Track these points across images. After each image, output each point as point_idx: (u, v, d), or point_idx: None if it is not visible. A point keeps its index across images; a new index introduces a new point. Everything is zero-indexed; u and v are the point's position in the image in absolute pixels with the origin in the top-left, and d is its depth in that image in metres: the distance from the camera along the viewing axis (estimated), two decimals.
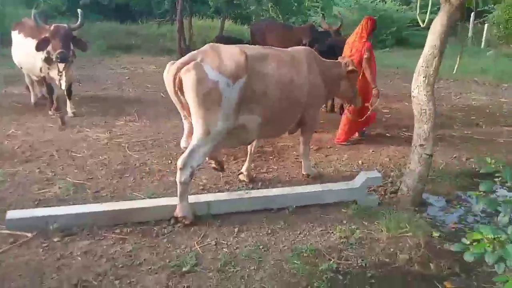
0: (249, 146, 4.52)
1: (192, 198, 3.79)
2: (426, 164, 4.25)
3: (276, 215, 3.91)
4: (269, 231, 3.64)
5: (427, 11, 4.23)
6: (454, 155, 5.62)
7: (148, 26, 16.08)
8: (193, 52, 3.57)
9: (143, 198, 4.10)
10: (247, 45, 4.16)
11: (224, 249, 3.35)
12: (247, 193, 3.96)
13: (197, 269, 3.09)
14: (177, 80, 3.42)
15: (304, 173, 4.83)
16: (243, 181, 4.59)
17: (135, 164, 4.99)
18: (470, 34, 17.57)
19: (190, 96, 3.39)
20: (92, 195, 4.18)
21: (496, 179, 5.01)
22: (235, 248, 3.38)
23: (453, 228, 3.97)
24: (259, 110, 3.72)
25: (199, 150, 3.51)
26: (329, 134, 6.39)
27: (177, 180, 3.55)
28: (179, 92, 3.49)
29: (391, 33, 17.27)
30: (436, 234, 3.71)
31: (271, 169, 5.08)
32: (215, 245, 3.41)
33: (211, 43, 3.80)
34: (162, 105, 7.69)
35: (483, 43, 17.44)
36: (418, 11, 4.52)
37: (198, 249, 3.34)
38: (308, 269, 3.11)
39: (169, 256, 3.24)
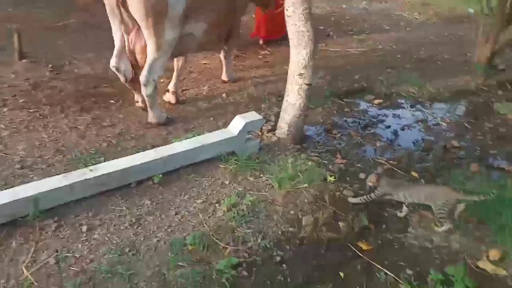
0: (175, 62, 4.32)
1: (7, 194, 2.52)
2: (306, 96, 3.63)
3: (137, 192, 2.91)
4: (133, 220, 2.64)
5: None
6: (319, 75, 5.15)
7: None
8: None
9: None
10: None
11: (72, 268, 2.27)
12: (91, 170, 2.81)
13: None
14: None
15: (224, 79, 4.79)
16: (168, 102, 4.29)
17: None
18: None
19: (139, 8, 3.23)
20: None
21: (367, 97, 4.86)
22: (88, 261, 2.32)
23: (341, 163, 3.51)
24: (204, 16, 3.69)
25: (156, 63, 3.54)
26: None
27: (144, 94, 3.66)
28: (121, 6, 3.30)
29: None
30: (331, 178, 3.18)
31: (115, 120, 3.90)
32: (56, 264, 2.30)
33: None
34: None
35: None
36: None
37: (30, 277, 2.20)
38: (201, 272, 2.28)
39: None
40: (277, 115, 3.91)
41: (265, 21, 6.05)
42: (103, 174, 2.79)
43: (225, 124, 3.89)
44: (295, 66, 3.55)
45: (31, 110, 3.88)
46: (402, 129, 4.17)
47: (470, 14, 8.89)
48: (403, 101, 4.78)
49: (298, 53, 3.49)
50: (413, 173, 3.39)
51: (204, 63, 5.36)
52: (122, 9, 3.32)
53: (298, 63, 3.51)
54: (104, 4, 3.50)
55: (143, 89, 3.62)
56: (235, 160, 3.27)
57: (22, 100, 4.07)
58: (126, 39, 3.63)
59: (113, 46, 5.29)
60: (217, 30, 4.07)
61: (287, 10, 3.45)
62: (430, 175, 3.36)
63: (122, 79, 3.80)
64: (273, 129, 3.87)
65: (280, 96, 4.45)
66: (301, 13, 3.37)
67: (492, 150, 3.83)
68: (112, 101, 4.22)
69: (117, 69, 3.70)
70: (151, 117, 3.81)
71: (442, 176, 3.34)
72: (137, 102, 4.06)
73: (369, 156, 3.65)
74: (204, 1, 3.66)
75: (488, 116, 4.45)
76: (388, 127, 4.20)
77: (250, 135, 3.57)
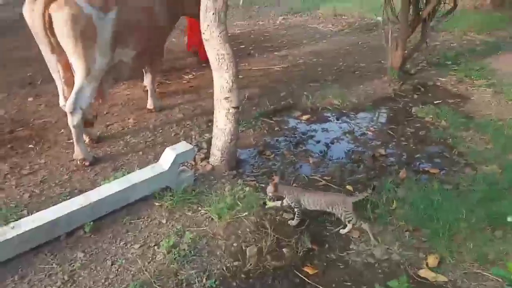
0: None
1: None
2: (235, 119, 3.61)
3: (68, 244, 2.70)
4: (66, 278, 2.44)
5: None
6: (246, 94, 5.16)
7: None
8: None
9: None
10: None
11: None
12: (13, 227, 2.56)
13: None
14: (46, 18, 3.11)
15: (150, 108, 4.71)
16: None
17: None
18: None
19: (65, 35, 3.17)
20: None
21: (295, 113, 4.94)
22: None
23: None
24: (133, 42, 3.71)
25: (84, 90, 3.43)
26: None
27: (70, 125, 3.48)
28: (49, 32, 3.17)
29: None
30: (269, 203, 3.17)
31: (36, 166, 3.62)
32: None
33: None
34: None
35: None
36: None
37: None
38: None
39: None
40: (209, 142, 3.85)
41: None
42: (26, 231, 2.56)
43: (156, 158, 3.78)
44: (220, 91, 3.51)
45: None
46: (332, 143, 4.28)
47: (378, 22, 9.46)
48: (329, 114, 4.92)
49: (221, 76, 3.46)
50: (347, 186, 3.48)
51: (127, 94, 5.17)
52: (50, 35, 3.18)
53: (222, 87, 3.48)
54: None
55: (69, 118, 3.44)
56: (170, 195, 3.15)
57: None
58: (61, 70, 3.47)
59: (26, 83, 5.01)
60: (147, 55, 4.12)
61: (203, 34, 3.42)
62: (363, 187, 3.46)
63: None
64: (206, 156, 3.81)
65: (209, 121, 4.42)
66: (218, 36, 3.35)
67: (416, 154, 4.04)
68: (30, 146, 3.93)
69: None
70: (77, 153, 3.61)
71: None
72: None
73: (304, 174, 3.69)
74: (133, 26, 3.64)
75: (408, 121, 4.70)
76: (318, 142, 4.28)
77: (183, 167, 3.48)
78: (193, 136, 4.22)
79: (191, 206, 3.12)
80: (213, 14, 3.30)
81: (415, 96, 5.41)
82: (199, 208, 3.11)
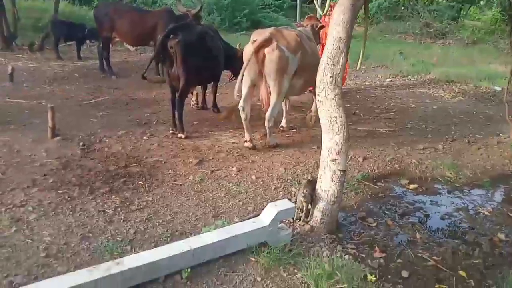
0: (283, 105, 5.94)
1: None
2: (340, 182, 3.48)
3: None
4: None
5: None
6: (349, 155, 5.02)
7: None
8: (265, 34, 4.68)
9: None
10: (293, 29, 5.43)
11: None
12: (118, 263, 2.65)
13: None
14: (261, 56, 4.62)
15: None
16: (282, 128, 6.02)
17: None
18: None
19: (272, 67, 4.64)
20: None
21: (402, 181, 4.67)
22: None
23: (381, 257, 3.27)
24: (302, 73, 4.97)
25: (276, 105, 4.91)
26: (206, 140, 5.31)
27: (266, 126, 5.05)
28: (260, 64, 4.66)
29: (245, 15, 16.74)
30: (371, 276, 2.94)
31: (143, 203, 3.79)
32: None
33: (274, 27, 5.04)
34: None
35: None
36: None
37: None
38: None
39: None
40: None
41: None
42: (129, 269, 2.62)
43: (255, 209, 3.78)
44: (328, 152, 3.44)
45: (60, 191, 3.82)
46: (442, 219, 3.93)
47: (496, 92, 8.85)
48: (439, 186, 4.57)
49: (331, 138, 3.41)
50: (460, 271, 3.12)
51: (233, 142, 5.32)
52: (260, 65, 4.65)
53: (331, 149, 3.42)
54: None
55: (266, 122, 4.99)
56: (267, 252, 3.06)
57: (51, 180, 4.02)
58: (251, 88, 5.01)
59: (143, 122, 5.43)
60: (309, 83, 5.24)
61: (318, 95, 3.43)
62: (480, 275, 3.08)
63: (242, 116, 4.98)
64: (305, 216, 3.69)
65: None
66: (333, 99, 3.35)
67: None
68: (140, 182, 4.14)
69: (243, 108, 4.93)
70: (268, 141, 5.23)
71: (494, 276, 3.06)
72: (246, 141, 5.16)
73: (410, 250, 3.40)
74: (304, 66, 4.89)
75: None
76: (427, 216, 3.96)
77: (281, 224, 3.40)
78: (293, 192, 4.14)
79: (287, 267, 2.99)
80: (330, 77, 3.33)
81: None
82: (295, 271, 2.97)
